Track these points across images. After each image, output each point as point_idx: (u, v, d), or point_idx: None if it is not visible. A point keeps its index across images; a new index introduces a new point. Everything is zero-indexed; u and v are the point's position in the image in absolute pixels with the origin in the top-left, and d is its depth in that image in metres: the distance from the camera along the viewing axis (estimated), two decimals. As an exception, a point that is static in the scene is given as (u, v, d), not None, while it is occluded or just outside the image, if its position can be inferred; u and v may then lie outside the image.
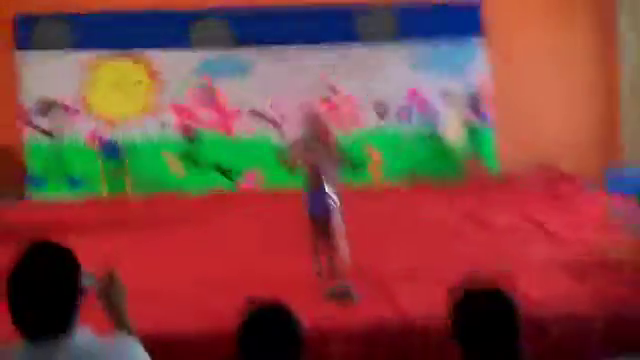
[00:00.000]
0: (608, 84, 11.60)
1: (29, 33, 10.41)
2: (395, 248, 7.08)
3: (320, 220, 6.15)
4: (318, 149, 6.22)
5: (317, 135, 6.48)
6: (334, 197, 6.00)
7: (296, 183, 9.03)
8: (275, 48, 10.91)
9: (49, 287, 2.03)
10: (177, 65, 10.75)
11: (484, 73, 11.34)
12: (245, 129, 10.98)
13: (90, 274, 2.17)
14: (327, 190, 5.98)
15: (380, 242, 7.27)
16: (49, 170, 10.58)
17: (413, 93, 11.27)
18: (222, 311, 3.71)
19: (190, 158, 10.91)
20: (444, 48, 11.25)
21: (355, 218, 6.51)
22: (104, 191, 10.36)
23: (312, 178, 6.17)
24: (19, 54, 10.44)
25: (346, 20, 11.02)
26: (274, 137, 11.00)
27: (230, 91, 10.90)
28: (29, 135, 10.52)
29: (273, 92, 10.99)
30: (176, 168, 10.87)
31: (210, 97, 10.89)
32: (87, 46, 10.55)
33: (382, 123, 11.25)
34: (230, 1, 10.70)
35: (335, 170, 6.25)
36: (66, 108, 10.59)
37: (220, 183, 10.90)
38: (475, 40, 11.31)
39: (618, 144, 11.50)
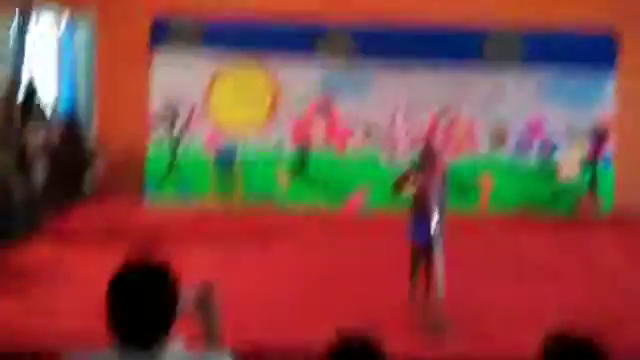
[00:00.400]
0: None
1: (164, 35, 10.85)
2: (495, 283, 7.03)
3: (422, 249, 6.17)
4: (428, 177, 6.24)
5: (429, 163, 6.50)
6: (439, 227, 6.00)
7: (402, 207, 9.25)
8: (397, 66, 10.90)
9: (148, 299, 2.11)
10: (300, 79, 10.92)
11: (611, 108, 10.95)
12: (359, 147, 11.05)
13: (189, 289, 2.28)
14: (432, 219, 6.00)
15: (480, 275, 7.22)
16: (166, 175, 11.00)
17: (534, 122, 11.03)
18: (315, 334, 3.83)
19: (301, 173, 11.08)
20: (572, 78, 10.92)
21: (458, 248, 6.51)
22: (213, 198, 10.67)
23: (419, 206, 6.19)
24: (154, 56, 10.88)
25: (472, 42, 10.92)
26: (387, 157, 11.02)
27: (348, 108, 11.00)
28: (152, 137, 10.98)
29: (391, 111, 11.03)
30: (286, 182, 11.06)
31: (328, 113, 11.03)
32: (217, 52, 10.87)
33: (499, 150, 11.06)
34: (357, 17, 10.79)
35: (443, 200, 6.26)
36: (190, 113, 10.99)
37: (328, 200, 11.00)
38: (604, 73, 10.94)
39: None
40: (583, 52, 10.91)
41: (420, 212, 6.15)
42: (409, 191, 6.46)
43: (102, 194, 10.56)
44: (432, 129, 10.99)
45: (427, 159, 6.49)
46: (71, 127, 10.16)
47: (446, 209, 6.29)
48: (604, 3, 10.74)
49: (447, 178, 6.95)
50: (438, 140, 9.37)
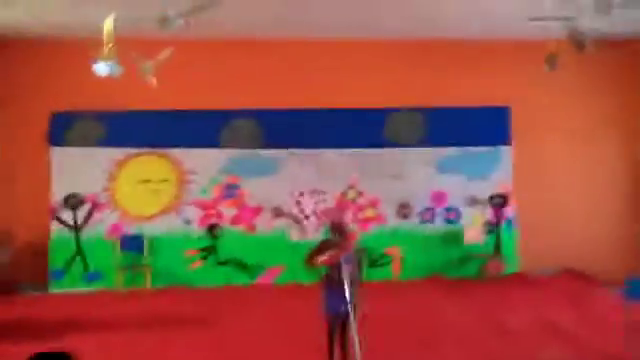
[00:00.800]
0: (634, 189, 11.64)
1: (63, 130, 10.79)
2: (407, 348, 7.06)
3: (336, 319, 6.19)
4: (339, 249, 6.31)
5: (338, 237, 6.61)
6: (352, 298, 6.04)
7: (315, 280, 9.31)
8: (302, 149, 11.19)
9: None
10: (204, 163, 11.03)
11: (509, 176, 11.47)
12: (267, 226, 11.10)
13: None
14: (345, 291, 6.05)
15: (394, 342, 7.25)
16: (70, 263, 10.70)
17: (437, 193, 11.38)
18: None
19: (211, 254, 10.99)
20: (470, 152, 11.44)
21: (372, 316, 6.51)
22: (120, 285, 10.41)
23: (331, 277, 6.23)
24: (52, 150, 10.77)
25: (374, 122, 11.30)
26: (296, 235, 11.11)
27: (255, 189, 11.10)
28: (55, 229, 10.72)
29: (298, 191, 11.18)
30: (197, 263, 10.95)
31: (234, 195, 11.08)
32: (118, 143, 10.89)
33: (404, 222, 11.32)
34: (259, 102, 11.06)
35: (355, 272, 6.34)
36: (93, 203, 10.82)
37: (240, 279, 10.97)
38: (501, 144, 11.50)
39: (641, 251, 11.49)
40: (480, 126, 11.47)
41: (332, 285, 6.19)
42: (321, 265, 6.51)
43: (6, 285, 10.18)
44: (339, 206, 11.21)
45: (336, 234, 6.59)
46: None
47: (359, 281, 6.36)
48: (497, 80, 11.41)
49: (360, 251, 7.05)
50: (346, 216, 9.46)
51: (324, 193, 11.24)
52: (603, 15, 7.29)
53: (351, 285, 6.08)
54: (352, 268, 6.24)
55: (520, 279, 10.92)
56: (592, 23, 8.09)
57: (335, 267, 6.25)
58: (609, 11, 7.19)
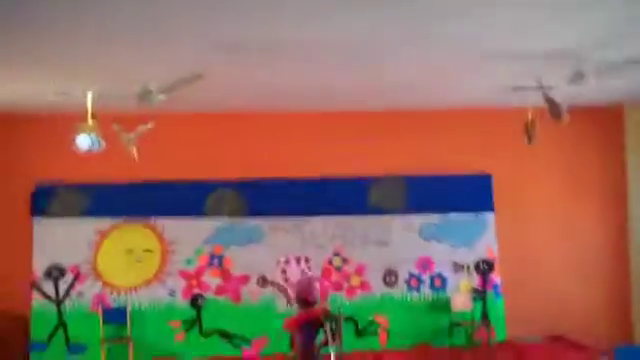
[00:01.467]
0: (619, 255, 11.67)
1: (46, 202, 10.77)
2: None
3: None
4: (300, 314, 6.35)
5: (303, 307, 6.64)
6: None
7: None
8: (287, 218, 11.19)
9: None
10: (188, 233, 10.99)
11: (494, 243, 11.48)
12: (253, 296, 11.01)
13: None
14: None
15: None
16: (52, 336, 10.54)
17: (423, 261, 11.35)
18: None
19: (195, 325, 10.86)
20: (454, 219, 11.46)
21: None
22: (103, 358, 10.23)
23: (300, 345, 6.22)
24: (34, 221, 10.73)
25: (358, 191, 11.35)
26: (281, 304, 11.02)
27: (240, 259, 11.05)
28: (36, 301, 10.59)
29: (283, 260, 11.14)
30: (181, 335, 10.81)
31: (219, 264, 11.02)
32: (101, 214, 10.86)
33: (391, 290, 11.25)
34: (243, 173, 11.12)
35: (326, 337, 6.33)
36: (75, 274, 10.74)
37: (225, 350, 10.81)
38: (485, 211, 11.54)
39: (630, 320, 11.44)
40: (463, 193, 11.53)
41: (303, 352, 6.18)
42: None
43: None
44: (307, 279, 11.11)
45: (301, 306, 6.60)
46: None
47: (338, 349, 6.30)
48: (479, 148, 11.55)
49: (337, 319, 6.99)
50: (314, 288, 9.36)
51: (309, 261, 11.20)
52: (577, 85, 7.44)
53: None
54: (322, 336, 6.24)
55: (509, 347, 10.80)
56: (568, 91, 8.26)
57: (300, 334, 6.60)
58: (582, 82, 7.34)
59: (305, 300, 6.71)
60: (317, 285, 7.29)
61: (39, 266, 10.66)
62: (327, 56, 7.40)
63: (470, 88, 9.66)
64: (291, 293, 11.01)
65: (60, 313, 10.62)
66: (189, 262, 11.00)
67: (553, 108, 7.97)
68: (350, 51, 7.13)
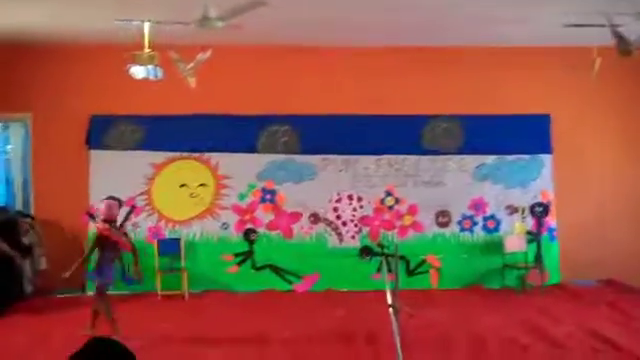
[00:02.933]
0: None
1: (101, 133, 10.88)
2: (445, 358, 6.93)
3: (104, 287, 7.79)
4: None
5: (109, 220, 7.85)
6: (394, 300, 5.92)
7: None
8: (339, 155, 11.13)
9: None
10: (242, 168, 11.01)
11: (550, 185, 11.27)
12: (305, 232, 11.03)
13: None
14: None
15: (431, 352, 7.15)
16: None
17: (476, 201, 11.21)
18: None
19: (248, 259, 10.97)
20: (509, 160, 11.27)
21: (411, 324, 6.43)
22: (159, 288, 10.40)
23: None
24: (90, 153, 10.88)
25: (412, 130, 11.20)
26: (333, 241, 11.04)
27: (292, 195, 11.06)
28: (92, 232, 10.76)
29: (335, 198, 11.11)
30: (233, 268, 10.92)
31: (271, 200, 11.05)
32: (155, 147, 10.95)
33: (443, 231, 11.17)
34: (296, 109, 11.04)
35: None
36: (131, 206, 10.84)
37: (276, 285, 10.92)
38: (542, 152, 11.32)
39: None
40: (520, 134, 11.28)
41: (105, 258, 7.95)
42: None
43: (44, 289, 10.27)
44: (376, 213, 11.13)
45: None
46: (8, 224, 9.83)
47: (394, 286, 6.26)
48: (537, 88, 11.26)
49: (395, 257, 6.96)
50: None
51: (361, 199, 11.15)
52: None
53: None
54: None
55: (563, 290, 10.67)
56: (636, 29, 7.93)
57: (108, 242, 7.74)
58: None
59: (108, 219, 7.85)
60: (115, 207, 8.04)
61: (96, 197, 10.78)
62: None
63: (530, 23, 9.35)
64: (345, 231, 11.04)
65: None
66: (242, 197, 11.04)
67: (621, 44, 7.67)
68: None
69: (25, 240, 10.06)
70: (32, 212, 10.83)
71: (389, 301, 5.97)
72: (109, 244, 7.87)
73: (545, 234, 11.21)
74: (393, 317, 5.94)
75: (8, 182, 11.62)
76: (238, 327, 8.38)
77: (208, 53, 7.41)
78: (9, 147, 11.67)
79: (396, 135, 11.18)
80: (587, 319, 8.61)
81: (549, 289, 10.66)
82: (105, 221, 7.89)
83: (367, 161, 11.18)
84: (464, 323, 8.47)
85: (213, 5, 6.48)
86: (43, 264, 10.28)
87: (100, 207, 8.21)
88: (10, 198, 11.55)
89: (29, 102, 10.82)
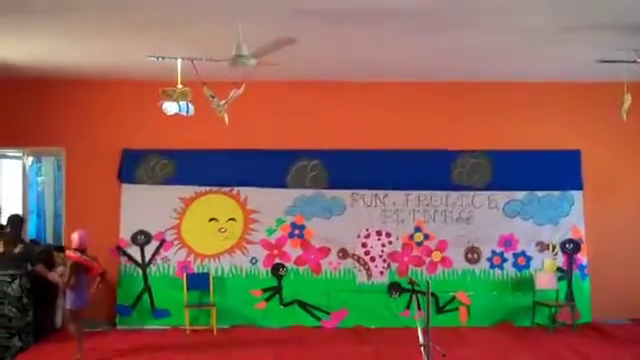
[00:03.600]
0: None
1: (133, 168, 10.98)
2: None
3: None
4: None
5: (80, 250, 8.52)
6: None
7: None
8: (368, 190, 11.12)
9: None
10: (271, 203, 11.03)
11: (581, 221, 11.15)
12: (333, 268, 11.00)
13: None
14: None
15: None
16: (138, 300, 10.80)
17: (507, 238, 11.12)
18: None
19: (276, 294, 10.94)
20: (540, 196, 11.17)
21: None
22: (187, 323, 10.40)
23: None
24: (122, 187, 10.97)
25: (441, 165, 11.18)
26: (361, 277, 11.00)
27: (320, 230, 11.04)
28: (123, 265, 10.85)
29: (364, 233, 11.08)
30: (262, 304, 10.90)
31: (300, 235, 11.04)
32: (185, 181, 11.02)
33: (472, 267, 11.08)
34: (325, 144, 11.08)
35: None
36: (160, 240, 10.94)
37: (304, 321, 10.86)
38: (572, 189, 11.21)
39: None
40: (550, 169, 11.20)
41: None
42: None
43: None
44: (405, 249, 11.07)
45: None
46: (44, 255, 9.93)
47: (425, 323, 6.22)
48: (567, 123, 11.20)
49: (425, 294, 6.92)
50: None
51: (390, 235, 11.11)
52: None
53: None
54: None
55: (594, 329, 10.50)
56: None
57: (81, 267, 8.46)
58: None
59: (79, 248, 8.56)
60: (86, 238, 8.73)
61: (126, 231, 10.90)
62: (419, 23, 7.29)
63: (562, 59, 9.35)
64: (374, 266, 11.00)
65: (146, 278, 10.85)
66: (271, 232, 11.05)
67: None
68: (436, 19, 6.98)
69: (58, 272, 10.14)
70: (63, 244, 10.91)
71: (420, 340, 5.94)
72: (82, 269, 8.56)
73: (576, 271, 11.07)
74: (424, 356, 5.90)
75: (39, 215, 11.79)
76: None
77: (242, 89, 7.49)
78: (41, 179, 11.86)
79: (425, 170, 11.15)
80: (619, 359, 8.45)
81: (580, 328, 10.50)
82: (77, 250, 8.59)
83: (396, 196, 11.15)
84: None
85: (245, 43, 6.56)
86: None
87: (74, 237, 8.76)
88: (41, 230, 11.71)
89: (62, 136, 10.97)
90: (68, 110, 10.95)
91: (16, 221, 9.61)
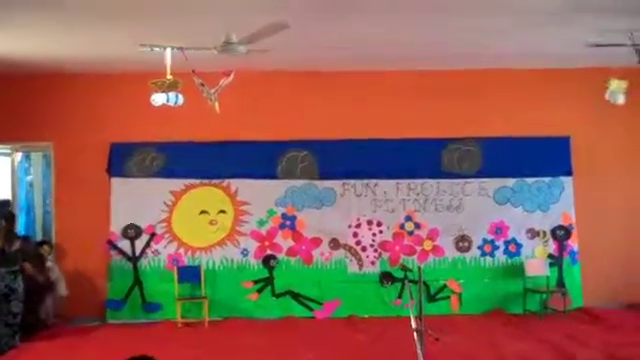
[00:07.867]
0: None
1: (122, 161, 10.91)
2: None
3: None
4: None
5: None
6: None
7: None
8: (358, 180, 11.09)
9: None
10: (261, 194, 10.98)
11: (572, 207, 11.17)
12: (325, 258, 10.98)
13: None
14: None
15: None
16: (128, 294, 10.75)
17: (497, 227, 11.13)
18: None
19: (268, 286, 10.92)
20: (530, 183, 11.18)
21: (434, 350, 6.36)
22: (179, 316, 10.36)
23: None
24: (112, 181, 10.89)
25: (431, 153, 11.15)
26: (353, 267, 10.99)
27: (311, 221, 11.02)
28: (112, 259, 10.79)
29: (354, 223, 11.06)
30: (253, 295, 10.88)
31: (291, 226, 11.02)
32: (175, 174, 10.96)
33: (463, 255, 11.08)
34: (315, 134, 11.04)
35: None
36: (150, 234, 10.88)
37: (296, 311, 10.86)
38: (562, 175, 11.22)
39: None
40: (540, 156, 11.19)
41: None
42: None
43: (64, 317, 10.33)
44: (396, 238, 11.07)
45: None
46: (32, 252, 9.88)
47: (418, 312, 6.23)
48: (557, 109, 11.18)
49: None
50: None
51: (381, 224, 11.10)
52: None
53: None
54: None
55: (586, 314, 10.53)
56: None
57: None
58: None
59: None
60: None
61: (116, 225, 10.84)
62: (408, 10, 7.26)
63: (549, 45, 9.34)
64: (365, 256, 10.99)
65: (136, 271, 10.80)
66: (261, 223, 11.02)
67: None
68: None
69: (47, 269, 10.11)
70: (53, 240, 10.84)
71: (413, 325, 5.94)
72: None
73: (567, 257, 11.10)
74: (418, 341, 5.90)
75: (29, 210, 11.71)
76: (259, 354, 8.33)
77: (231, 77, 7.46)
78: (29, 177, 11.78)
79: (415, 159, 11.13)
80: (611, 343, 8.48)
81: (572, 313, 10.54)
82: None
83: (386, 186, 11.14)
84: (488, 348, 8.38)
85: (235, 30, 6.53)
86: (63, 291, 10.29)
87: None
88: (31, 226, 11.63)
89: (50, 131, 10.89)
90: (55, 105, 10.86)
91: (10, 217, 9.54)
